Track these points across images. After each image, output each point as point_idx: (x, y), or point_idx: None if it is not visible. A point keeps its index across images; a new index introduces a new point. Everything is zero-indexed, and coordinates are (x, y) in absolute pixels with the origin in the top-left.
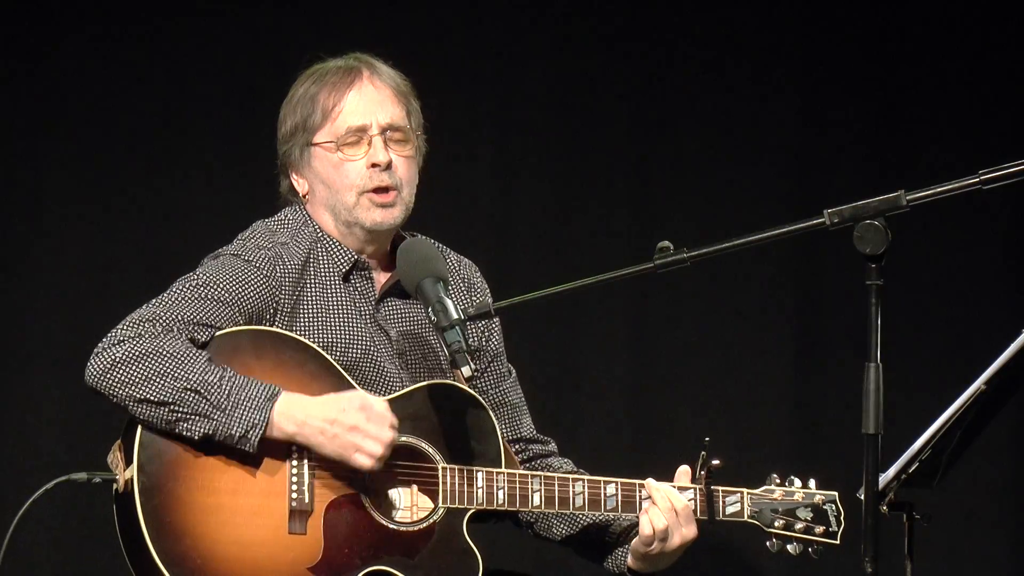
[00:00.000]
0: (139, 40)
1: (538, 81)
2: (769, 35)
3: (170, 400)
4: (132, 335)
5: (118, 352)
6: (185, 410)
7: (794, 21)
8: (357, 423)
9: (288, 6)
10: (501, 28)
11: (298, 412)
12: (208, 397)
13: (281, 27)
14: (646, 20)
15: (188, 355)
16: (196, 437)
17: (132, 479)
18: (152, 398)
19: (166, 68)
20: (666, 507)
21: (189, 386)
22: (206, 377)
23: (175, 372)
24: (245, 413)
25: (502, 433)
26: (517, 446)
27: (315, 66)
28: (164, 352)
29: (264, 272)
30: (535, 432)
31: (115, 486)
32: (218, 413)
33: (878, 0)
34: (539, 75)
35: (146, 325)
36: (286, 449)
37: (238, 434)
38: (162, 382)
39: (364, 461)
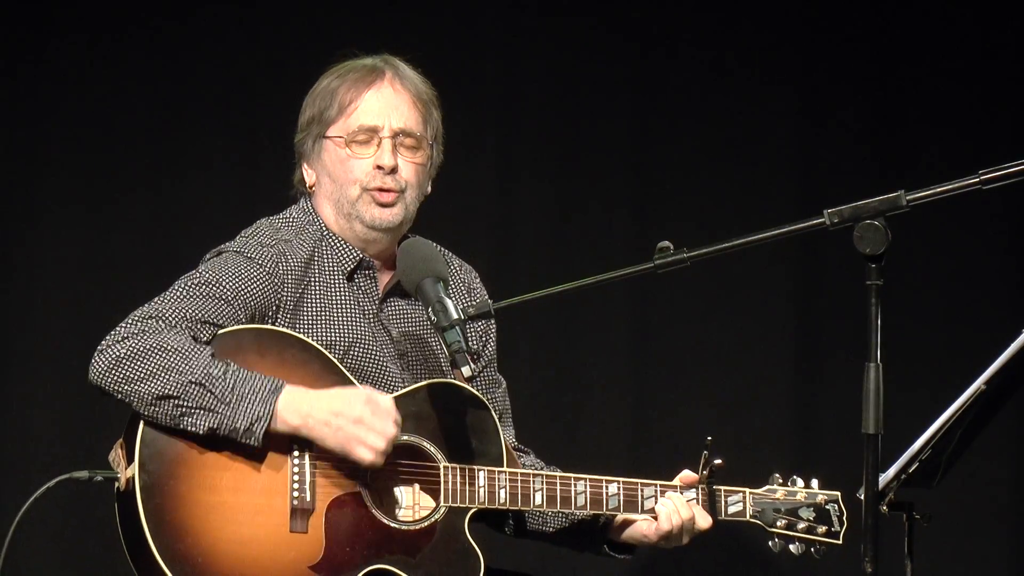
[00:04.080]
0: (139, 39)
1: (538, 81)
2: (769, 35)
3: (175, 394)
4: (135, 331)
5: (121, 349)
6: (190, 404)
7: (794, 21)
8: (362, 416)
9: (288, 6)
10: (502, 28)
11: (303, 405)
12: (212, 390)
13: (281, 27)
14: (646, 20)
15: (192, 350)
16: (201, 431)
17: (134, 477)
18: (157, 392)
19: (166, 67)
20: (686, 516)
21: (193, 379)
22: (210, 371)
23: (179, 367)
24: (249, 406)
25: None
26: None
27: (345, 62)
28: (167, 347)
29: (267, 270)
30: (517, 443)
31: (117, 484)
32: (222, 407)
33: (878, 0)
34: (539, 75)
35: (149, 322)
36: (288, 447)
37: (243, 427)
38: (167, 376)
39: (366, 455)
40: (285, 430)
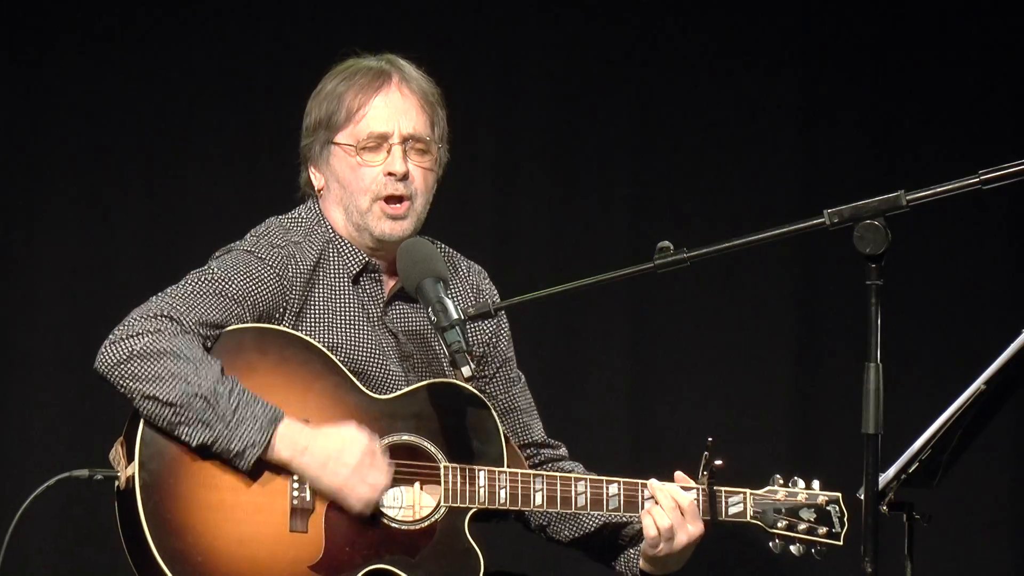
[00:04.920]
0: (139, 39)
1: (538, 81)
2: (770, 35)
3: (178, 402)
4: (151, 329)
5: (135, 345)
6: (190, 415)
7: (796, 21)
8: (359, 464)
9: (288, 5)
10: (501, 28)
11: (300, 439)
12: (215, 407)
13: (281, 27)
14: (647, 20)
15: (203, 361)
16: (194, 443)
17: (134, 476)
18: (161, 397)
19: (166, 67)
20: (670, 506)
21: (199, 392)
22: (217, 387)
23: (188, 376)
24: (247, 431)
25: (505, 433)
26: (528, 451)
27: (348, 62)
28: (180, 354)
29: (277, 271)
30: (546, 437)
31: (116, 483)
32: (221, 425)
33: (879, 1)
34: (539, 75)
35: (164, 321)
36: None
37: (236, 450)
38: (174, 383)
39: (356, 504)
40: (276, 461)
